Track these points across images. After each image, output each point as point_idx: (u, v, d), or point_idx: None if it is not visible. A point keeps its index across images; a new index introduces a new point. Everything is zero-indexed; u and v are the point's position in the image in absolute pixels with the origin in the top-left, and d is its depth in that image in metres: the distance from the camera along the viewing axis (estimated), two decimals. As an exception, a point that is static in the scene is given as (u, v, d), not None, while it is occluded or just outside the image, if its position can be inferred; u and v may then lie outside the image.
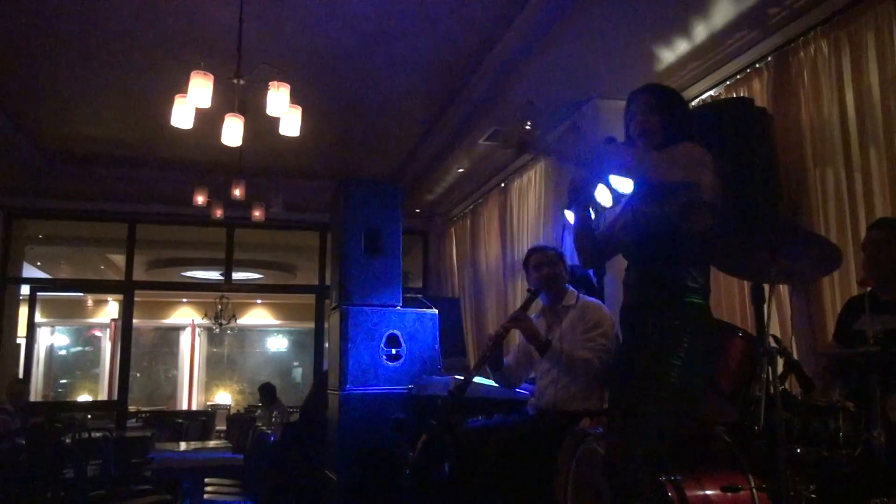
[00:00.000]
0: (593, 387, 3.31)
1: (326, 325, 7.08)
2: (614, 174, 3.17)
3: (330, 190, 5.58)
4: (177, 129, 4.16)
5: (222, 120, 4.24)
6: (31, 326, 8.73)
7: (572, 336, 3.37)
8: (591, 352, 3.26)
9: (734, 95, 4.18)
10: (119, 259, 10.02)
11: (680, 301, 2.21)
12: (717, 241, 2.33)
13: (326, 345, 6.85)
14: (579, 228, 2.56)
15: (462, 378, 3.96)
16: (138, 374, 14.73)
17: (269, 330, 16.37)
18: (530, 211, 6.18)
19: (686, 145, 2.30)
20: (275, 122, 4.20)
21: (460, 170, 6.97)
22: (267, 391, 8.34)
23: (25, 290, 8.69)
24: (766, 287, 2.39)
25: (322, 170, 7.46)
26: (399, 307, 4.98)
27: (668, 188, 2.25)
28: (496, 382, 3.67)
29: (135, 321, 8.96)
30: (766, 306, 2.36)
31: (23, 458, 5.51)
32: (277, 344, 16.81)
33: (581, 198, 2.52)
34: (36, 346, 12.85)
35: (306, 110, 4.28)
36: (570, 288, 3.55)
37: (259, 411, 8.87)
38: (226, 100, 4.18)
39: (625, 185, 3.51)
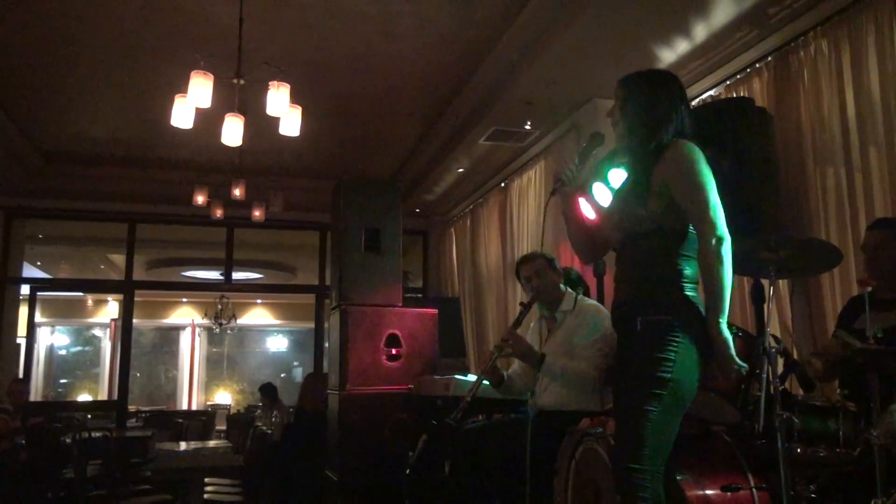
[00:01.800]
0: (592, 390, 3.30)
1: (326, 325, 7.08)
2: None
3: (330, 190, 5.58)
4: (177, 128, 4.16)
5: (222, 120, 4.24)
6: (31, 326, 8.73)
7: (571, 342, 3.35)
8: (590, 362, 3.25)
9: (734, 95, 4.18)
10: (119, 259, 10.02)
11: (669, 295, 2.18)
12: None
13: (326, 345, 6.85)
14: (568, 223, 2.52)
15: (460, 377, 3.97)
16: (138, 374, 14.73)
17: (269, 330, 16.38)
18: (530, 211, 6.18)
19: (674, 159, 2.23)
20: (275, 122, 4.20)
21: (460, 170, 6.97)
22: (268, 391, 8.33)
23: (25, 289, 8.69)
24: (767, 286, 2.39)
25: (322, 170, 7.46)
26: (399, 307, 4.98)
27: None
28: (502, 395, 3.59)
29: (135, 321, 8.95)
30: (766, 305, 2.36)
31: (23, 458, 5.50)
32: (277, 344, 16.82)
33: (565, 190, 2.47)
34: (36, 346, 12.86)
35: (306, 110, 4.29)
36: (568, 290, 3.52)
37: (259, 411, 8.87)
38: (226, 100, 4.17)
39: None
